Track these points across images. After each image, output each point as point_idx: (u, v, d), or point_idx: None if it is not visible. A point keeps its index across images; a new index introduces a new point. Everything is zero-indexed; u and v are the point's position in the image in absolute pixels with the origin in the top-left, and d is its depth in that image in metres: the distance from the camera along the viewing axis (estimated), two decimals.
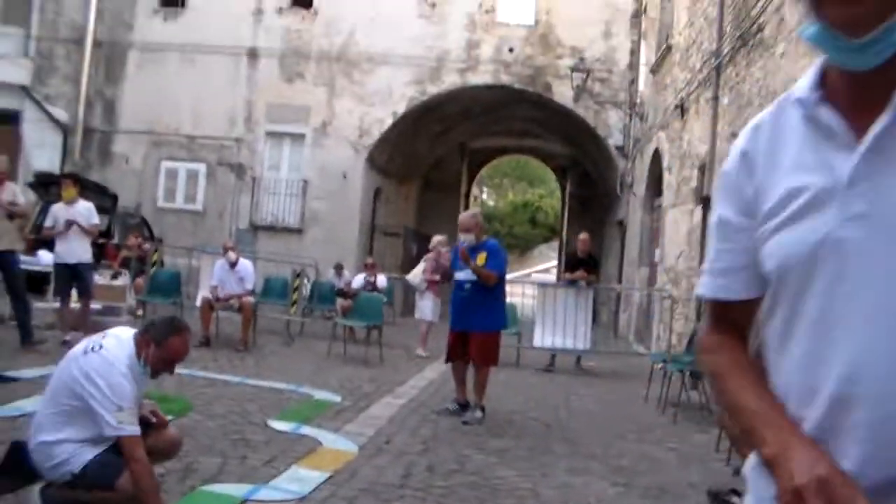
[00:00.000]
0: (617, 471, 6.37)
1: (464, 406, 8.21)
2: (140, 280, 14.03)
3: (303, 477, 5.40)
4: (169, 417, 4.75)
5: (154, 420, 4.33)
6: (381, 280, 15.94)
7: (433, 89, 20.97)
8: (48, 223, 10.20)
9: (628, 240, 20.22)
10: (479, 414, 8.01)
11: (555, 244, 41.03)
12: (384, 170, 22.84)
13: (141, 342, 4.09)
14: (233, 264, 12.06)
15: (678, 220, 14.02)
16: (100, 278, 12.43)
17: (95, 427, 3.90)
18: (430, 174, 27.11)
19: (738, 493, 5.52)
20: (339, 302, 15.39)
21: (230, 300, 11.82)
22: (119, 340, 4.10)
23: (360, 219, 21.28)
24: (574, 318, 12.42)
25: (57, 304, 10.96)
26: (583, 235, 13.17)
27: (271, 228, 20.98)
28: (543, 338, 12.64)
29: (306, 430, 6.82)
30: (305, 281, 15.79)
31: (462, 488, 5.50)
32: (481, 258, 8.13)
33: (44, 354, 9.05)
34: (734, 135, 10.87)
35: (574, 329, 12.41)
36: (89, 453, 3.96)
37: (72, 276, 10.20)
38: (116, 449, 3.98)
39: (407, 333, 14.95)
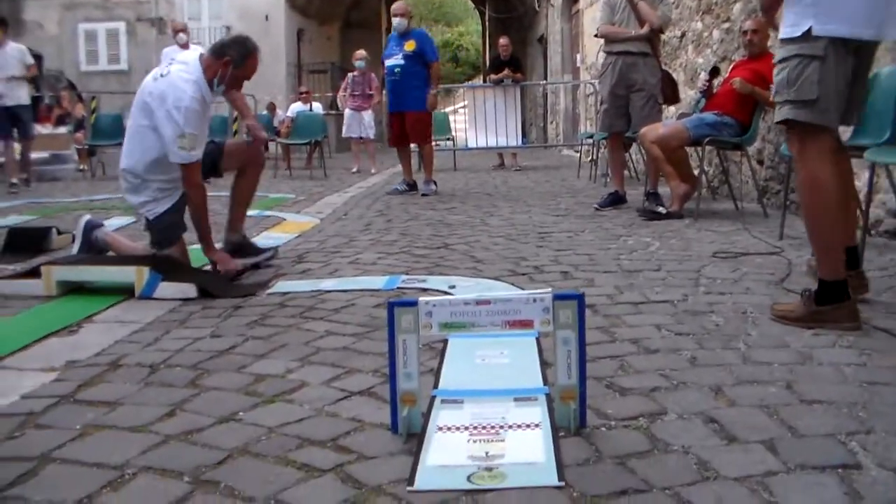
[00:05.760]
0: (555, 210, 7.12)
1: (412, 186, 8.88)
2: (80, 134, 14.11)
3: (274, 237, 5.97)
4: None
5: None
6: (317, 107, 16.11)
7: None
8: None
9: (550, 52, 20.61)
10: (433, 187, 8.86)
11: (479, 81, 41.16)
12: (305, 11, 22.77)
13: (216, 64, 4.27)
14: (184, 46, 11.06)
15: (596, 19, 14.40)
16: (42, 128, 12.60)
17: (167, 159, 4.19)
18: (351, 14, 26.99)
19: (661, 205, 6.29)
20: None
21: None
22: (186, 65, 4.25)
23: (286, 59, 21.36)
24: (504, 118, 12.91)
25: None
26: (502, 40, 13.43)
27: None
28: (477, 139, 13.18)
29: (268, 213, 7.39)
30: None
31: (421, 226, 6.20)
32: (410, 45, 8.66)
33: None
34: None
35: (505, 128, 12.93)
36: (164, 204, 4.32)
37: (11, 118, 10.38)
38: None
39: (344, 164, 15.36)
